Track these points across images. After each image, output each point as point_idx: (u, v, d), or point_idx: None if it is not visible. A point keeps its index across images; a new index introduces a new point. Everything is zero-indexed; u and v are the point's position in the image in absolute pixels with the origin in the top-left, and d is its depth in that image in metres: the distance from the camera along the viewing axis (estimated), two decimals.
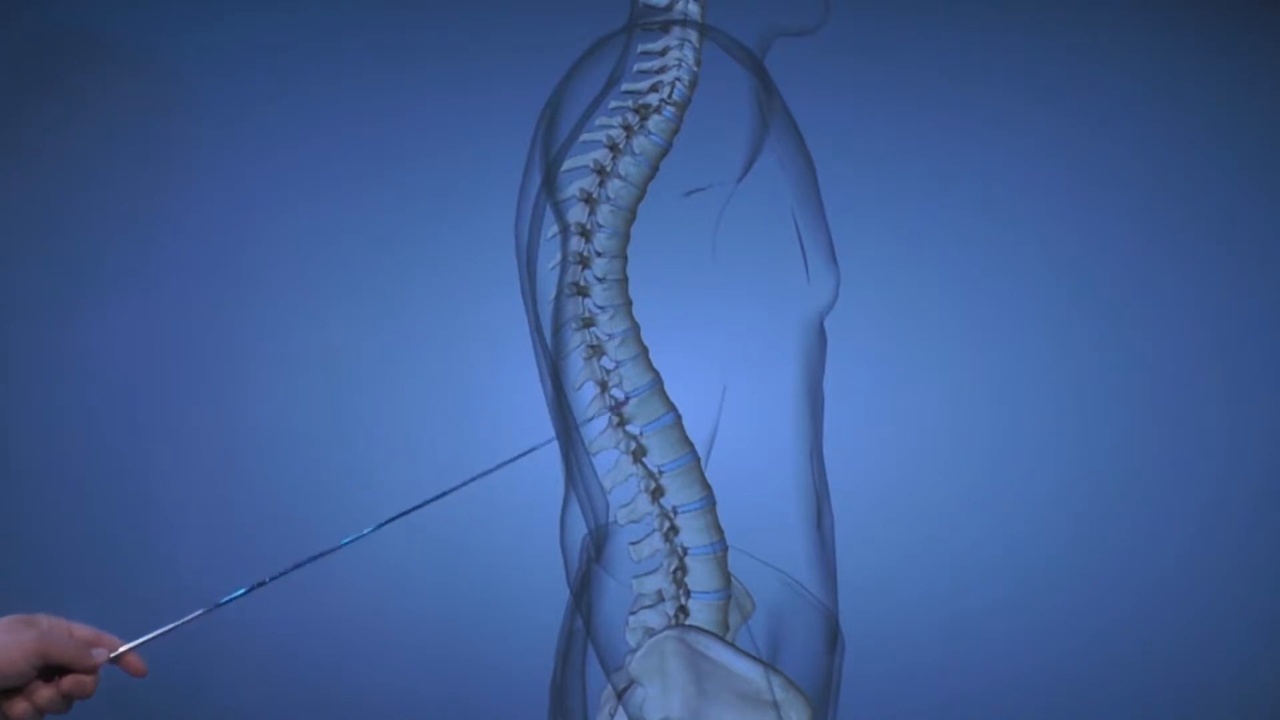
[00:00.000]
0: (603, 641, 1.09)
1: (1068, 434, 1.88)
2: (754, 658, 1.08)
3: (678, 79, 1.11)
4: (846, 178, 1.67)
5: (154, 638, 1.01)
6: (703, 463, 1.12)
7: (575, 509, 1.11)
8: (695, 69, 1.11)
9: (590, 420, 1.10)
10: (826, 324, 1.09)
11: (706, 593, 1.10)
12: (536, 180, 1.08)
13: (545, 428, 1.12)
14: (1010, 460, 1.87)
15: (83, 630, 0.99)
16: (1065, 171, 1.90)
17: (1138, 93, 1.93)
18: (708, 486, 1.12)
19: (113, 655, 0.99)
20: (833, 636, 1.12)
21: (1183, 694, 1.87)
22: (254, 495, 1.79)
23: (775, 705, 1.05)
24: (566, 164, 1.10)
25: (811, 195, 1.13)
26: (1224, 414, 1.90)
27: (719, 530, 1.12)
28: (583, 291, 1.09)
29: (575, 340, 1.10)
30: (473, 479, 1.08)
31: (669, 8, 1.11)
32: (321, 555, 1.06)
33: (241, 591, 1.05)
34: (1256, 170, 1.95)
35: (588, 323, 1.10)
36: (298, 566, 1.05)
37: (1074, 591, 1.86)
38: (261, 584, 1.05)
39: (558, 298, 1.10)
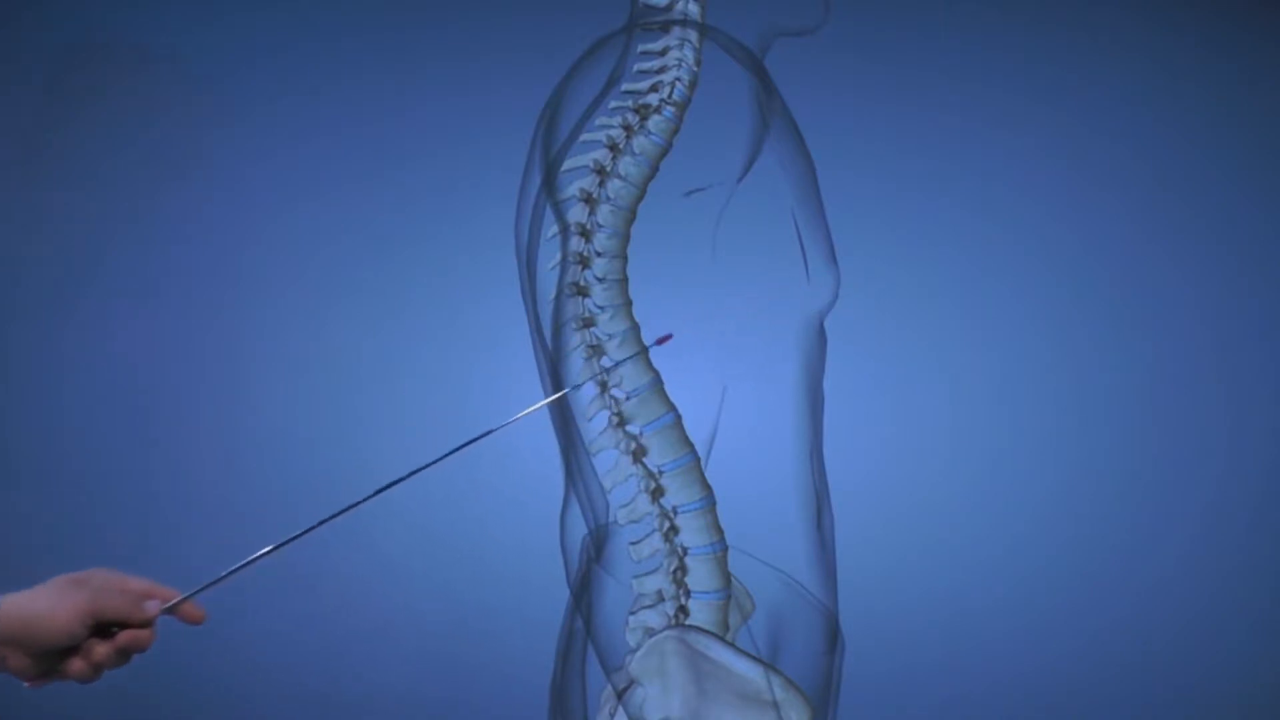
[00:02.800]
0: (603, 641, 1.09)
1: (1068, 434, 1.88)
2: (754, 658, 1.07)
3: (678, 79, 1.10)
4: (846, 178, 1.67)
5: (209, 586, 0.97)
6: (703, 463, 1.12)
7: (575, 509, 1.11)
8: (695, 69, 1.11)
9: (590, 419, 1.10)
10: (826, 324, 1.10)
11: (706, 593, 1.10)
12: (536, 180, 1.08)
13: (545, 428, 1.12)
14: (1010, 460, 1.87)
15: (137, 583, 0.96)
16: (1065, 171, 1.90)
17: (1138, 93, 1.93)
18: (708, 486, 1.12)
19: (166, 606, 0.96)
20: (833, 636, 1.12)
21: (1183, 694, 1.87)
22: (254, 495, 1.79)
23: (775, 705, 1.05)
24: (566, 164, 1.10)
25: (811, 195, 1.13)
26: (1224, 414, 1.91)
27: (719, 530, 1.12)
28: (583, 291, 1.09)
29: (575, 340, 1.10)
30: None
31: (669, 8, 1.11)
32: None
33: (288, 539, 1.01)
34: (1256, 170, 1.95)
35: (588, 323, 1.10)
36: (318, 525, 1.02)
37: (1074, 591, 1.86)
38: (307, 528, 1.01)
39: (558, 298, 1.10)
